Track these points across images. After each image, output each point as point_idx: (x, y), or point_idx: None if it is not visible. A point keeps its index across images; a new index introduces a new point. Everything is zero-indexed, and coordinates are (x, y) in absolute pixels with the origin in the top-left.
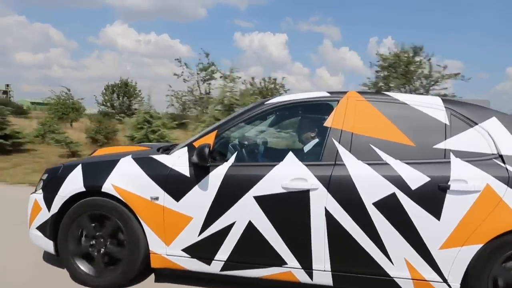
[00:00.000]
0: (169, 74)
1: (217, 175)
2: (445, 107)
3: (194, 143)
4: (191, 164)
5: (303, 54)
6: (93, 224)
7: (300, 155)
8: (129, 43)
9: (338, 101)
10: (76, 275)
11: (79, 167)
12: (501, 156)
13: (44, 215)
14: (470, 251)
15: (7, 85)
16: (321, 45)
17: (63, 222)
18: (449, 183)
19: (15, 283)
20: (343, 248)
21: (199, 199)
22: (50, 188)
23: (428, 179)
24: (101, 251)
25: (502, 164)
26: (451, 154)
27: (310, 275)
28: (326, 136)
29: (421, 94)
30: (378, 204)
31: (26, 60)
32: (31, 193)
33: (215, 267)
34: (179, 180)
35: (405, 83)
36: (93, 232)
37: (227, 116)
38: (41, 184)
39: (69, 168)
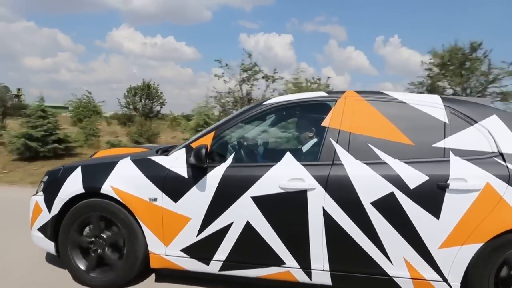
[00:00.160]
0: (174, 76)
1: (214, 176)
2: (444, 105)
3: (192, 144)
4: (189, 165)
5: (309, 54)
6: (91, 226)
7: (298, 155)
8: (135, 46)
9: (336, 100)
10: (75, 275)
11: (79, 169)
12: (501, 154)
13: (45, 216)
14: (470, 250)
15: (19, 89)
16: (326, 45)
17: (63, 223)
18: (448, 182)
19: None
20: (341, 247)
21: (197, 200)
22: (51, 190)
23: (426, 178)
24: (98, 252)
25: (503, 163)
26: (451, 152)
27: (309, 274)
28: (324, 136)
29: (479, 92)
30: (376, 204)
31: (35, 64)
32: (32, 195)
33: (213, 267)
34: (177, 181)
35: (460, 82)
36: (92, 233)
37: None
38: (42, 186)
39: (69, 170)
